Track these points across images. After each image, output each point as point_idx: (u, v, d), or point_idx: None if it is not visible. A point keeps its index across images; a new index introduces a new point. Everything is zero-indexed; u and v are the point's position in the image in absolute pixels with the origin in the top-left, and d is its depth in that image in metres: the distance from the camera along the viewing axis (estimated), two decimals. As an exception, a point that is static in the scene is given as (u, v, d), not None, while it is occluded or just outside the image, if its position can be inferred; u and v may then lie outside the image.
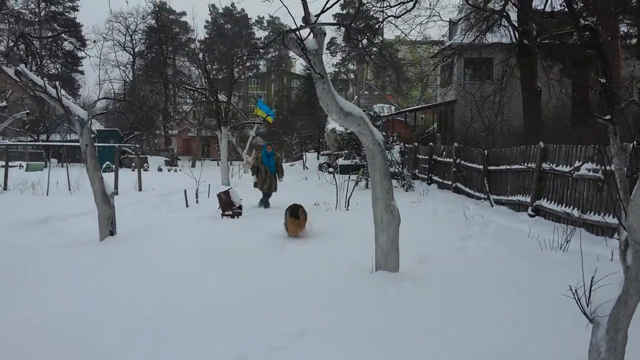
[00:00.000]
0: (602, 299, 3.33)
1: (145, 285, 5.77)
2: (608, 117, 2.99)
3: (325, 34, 5.54)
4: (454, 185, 16.53)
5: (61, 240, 8.54)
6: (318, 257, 7.08)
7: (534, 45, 18.19)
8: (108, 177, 9.89)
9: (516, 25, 19.00)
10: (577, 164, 9.50)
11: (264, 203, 12.84)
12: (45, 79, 7.96)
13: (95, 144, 8.91)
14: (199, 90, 25.79)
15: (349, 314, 4.78)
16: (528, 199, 11.32)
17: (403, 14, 17.19)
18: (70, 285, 5.84)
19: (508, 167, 12.69)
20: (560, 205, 10.13)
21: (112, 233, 8.43)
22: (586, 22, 3.02)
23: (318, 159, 35.31)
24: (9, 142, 28.06)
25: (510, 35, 19.78)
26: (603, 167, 8.65)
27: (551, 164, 10.50)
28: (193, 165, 36.65)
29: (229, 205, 11.13)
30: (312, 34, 5.40)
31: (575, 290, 3.42)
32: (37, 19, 42.54)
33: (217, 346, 4.04)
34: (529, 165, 11.41)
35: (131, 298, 5.29)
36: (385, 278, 5.98)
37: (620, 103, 3.07)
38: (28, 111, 20.47)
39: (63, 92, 8.30)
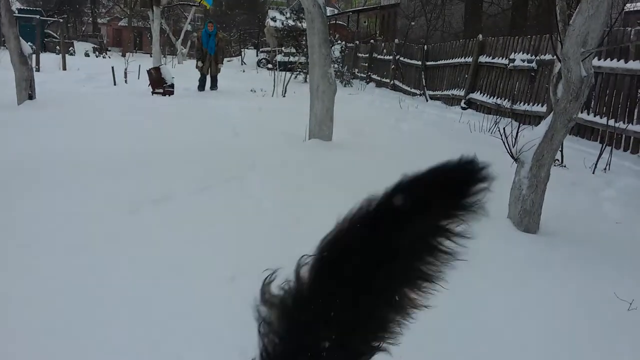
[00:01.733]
0: (527, 138, 3.42)
1: (67, 139, 5.47)
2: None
3: None
4: (392, 82, 16.52)
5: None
6: (252, 128, 6.94)
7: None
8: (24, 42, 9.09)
9: None
10: (512, 55, 9.63)
11: (199, 85, 12.31)
12: None
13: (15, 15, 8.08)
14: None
15: (279, 168, 4.75)
16: (462, 93, 11.49)
17: None
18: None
19: (446, 61, 12.73)
20: (492, 97, 10.35)
21: (30, 97, 7.87)
22: None
23: (257, 55, 34.25)
24: None
25: None
26: (537, 57, 8.82)
27: (488, 57, 10.59)
28: (123, 56, 34.62)
29: (159, 83, 10.63)
30: None
31: (504, 130, 3.50)
32: None
33: (143, 189, 3.89)
34: (466, 59, 11.48)
35: (51, 148, 5.00)
36: (318, 144, 5.96)
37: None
38: None
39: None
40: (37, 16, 18.14)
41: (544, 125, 3.28)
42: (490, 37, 10.68)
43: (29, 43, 23.59)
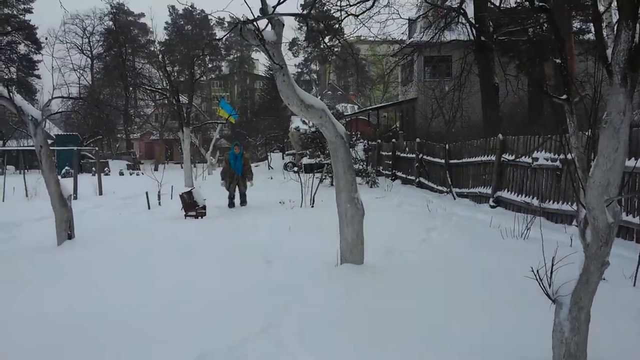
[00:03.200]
0: (563, 279, 3.38)
1: (103, 288, 5.60)
2: (564, 96, 3.02)
3: (283, 25, 5.48)
4: (417, 180, 16.69)
5: (17, 245, 8.24)
6: (284, 254, 7.00)
7: (491, 42, 18.54)
8: (67, 182, 9.58)
9: (473, 22, 19.32)
10: (535, 154, 9.70)
11: (229, 203, 12.62)
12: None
13: (53, 148, 8.63)
14: (160, 91, 25.36)
15: (313, 308, 4.74)
16: (489, 191, 11.51)
17: (362, 13, 17.45)
18: (27, 289, 5.62)
19: (469, 159, 12.88)
20: (520, 195, 10.33)
21: (70, 237, 8.17)
22: (541, 4, 3.05)
23: (283, 158, 35.18)
24: (-40, 149, 27.04)
25: (467, 32, 20.10)
26: (560, 156, 8.86)
27: (510, 155, 10.70)
28: (156, 169, 35.97)
29: (192, 206, 10.95)
30: (270, 25, 5.33)
31: (537, 271, 3.46)
32: (-12, 22, 41.10)
33: (177, 345, 3.91)
34: (489, 157, 11.60)
35: (89, 300, 5.12)
36: (350, 270, 5.97)
37: (574, 97, 3.11)
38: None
39: (19, 96, 7.97)
40: (75, 148, 19.13)
41: (578, 267, 3.25)
42: (511, 137, 10.83)
43: (66, 167, 24.76)
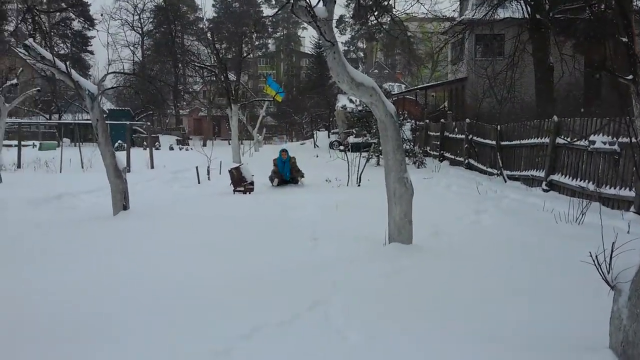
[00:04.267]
0: (623, 265, 3.27)
1: (157, 259, 5.78)
2: (630, 77, 2.88)
3: (335, 1, 5.42)
4: (466, 161, 16.39)
5: (75, 215, 8.58)
6: (331, 232, 7.02)
7: (547, 20, 17.86)
8: (121, 155, 9.88)
9: (528, -3, 18.63)
10: (592, 137, 9.35)
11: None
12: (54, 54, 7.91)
13: (106, 122, 8.88)
14: (209, 67, 25.65)
15: (361, 286, 4.76)
16: (542, 174, 11.19)
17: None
18: (85, 259, 5.86)
19: (521, 141, 12.54)
20: (575, 179, 10.01)
21: (125, 207, 8.45)
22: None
23: (329, 137, 35.18)
24: (21, 120, 28.22)
25: (522, 9, 19.41)
26: (619, 139, 8.51)
27: (565, 138, 10.34)
28: (204, 145, 36.70)
29: (240, 181, 11.12)
30: (321, 2, 5.28)
31: (596, 257, 3.36)
32: (44, -1, 42.32)
33: (229, 321, 3.98)
34: (542, 139, 11.26)
35: (141, 271, 5.29)
36: (398, 250, 5.94)
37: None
38: (39, 88, 20.57)
39: (74, 72, 8.24)
40: (128, 123, 19.65)
41: (639, 254, 3.14)
42: (567, 119, 10.45)
43: (118, 141, 25.64)
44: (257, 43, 64.35)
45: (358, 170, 12.75)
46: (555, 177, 10.71)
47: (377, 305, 4.26)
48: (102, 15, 42.40)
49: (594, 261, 3.37)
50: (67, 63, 7.82)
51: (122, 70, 40.90)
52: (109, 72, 8.84)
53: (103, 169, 8.57)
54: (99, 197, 10.29)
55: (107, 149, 8.28)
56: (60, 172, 15.58)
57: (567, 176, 10.32)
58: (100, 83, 8.27)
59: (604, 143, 8.97)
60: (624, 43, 2.98)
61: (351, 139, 26.67)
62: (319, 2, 5.26)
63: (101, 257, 5.89)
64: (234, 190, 11.13)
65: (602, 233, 4.07)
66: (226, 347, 3.49)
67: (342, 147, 26.42)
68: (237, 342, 3.56)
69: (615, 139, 8.72)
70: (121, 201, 8.42)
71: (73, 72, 7.88)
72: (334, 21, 6.01)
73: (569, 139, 10.14)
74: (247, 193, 11.05)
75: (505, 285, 4.83)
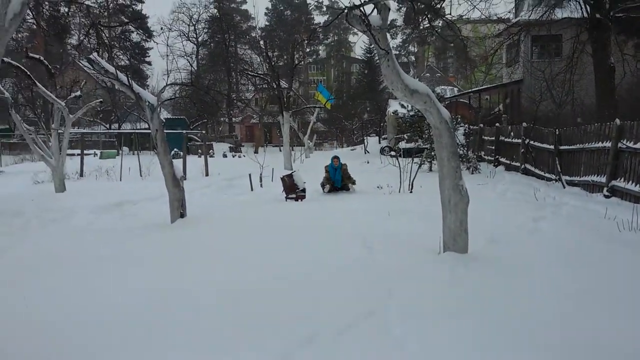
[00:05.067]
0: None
1: (214, 266, 5.91)
2: None
3: (389, 9, 5.42)
4: (523, 166, 15.95)
5: (135, 223, 8.89)
6: (384, 240, 6.98)
7: (607, 19, 17.18)
8: (177, 163, 10.18)
9: (588, -2, 17.98)
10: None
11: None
12: (115, 66, 8.24)
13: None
14: (261, 76, 26.05)
15: (417, 294, 4.71)
16: (603, 180, 10.75)
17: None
18: (146, 265, 6.06)
19: (581, 146, 12.09)
20: (639, 185, 9.57)
21: (182, 215, 8.69)
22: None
23: (379, 142, 34.99)
24: (84, 130, 29.53)
25: (581, 8, 18.75)
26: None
27: (628, 142, 9.91)
28: (256, 152, 37.26)
29: (292, 188, 11.23)
30: (375, 10, 5.29)
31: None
32: (105, 12, 44.22)
33: (287, 326, 4.02)
34: (604, 144, 10.83)
35: (197, 280, 5.42)
36: (454, 259, 5.84)
37: None
38: (101, 99, 21.49)
39: (135, 84, 8.57)
40: (184, 132, 20.23)
41: None
42: (630, 122, 10.01)
43: (175, 149, 26.36)
44: (308, 50, 64.90)
45: (410, 177, 12.63)
46: (618, 182, 10.27)
47: (434, 316, 4.21)
48: (161, 28, 43.94)
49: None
50: (128, 75, 8.13)
51: (178, 81, 42.24)
52: (168, 83, 9.09)
53: (161, 176, 8.85)
54: (157, 205, 10.62)
55: (166, 158, 8.54)
56: (120, 180, 16.19)
57: (631, 182, 9.87)
58: (159, 94, 8.55)
59: (672, 147, 8.54)
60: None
61: (402, 144, 26.46)
62: (373, 10, 5.28)
63: (160, 264, 6.08)
64: (286, 198, 11.25)
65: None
66: (285, 353, 3.54)
67: (393, 153, 26.25)
68: (296, 350, 3.60)
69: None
70: (178, 209, 8.66)
71: (134, 84, 8.19)
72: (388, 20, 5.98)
73: (632, 143, 9.70)
74: (299, 200, 11.14)
75: (566, 297, 4.66)
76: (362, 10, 5.10)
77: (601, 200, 10.15)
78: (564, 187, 12.44)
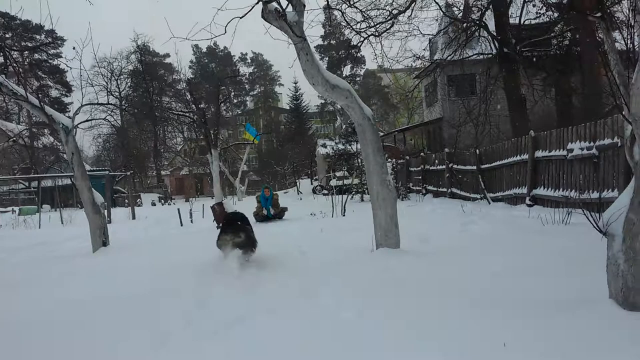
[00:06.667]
0: (612, 210, 3.20)
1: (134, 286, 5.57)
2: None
3: (304, 5, 5.50)
4: (449, 190, 16.41)
5: (57, 254, 8.33)
6: (317, 247, 6.89)
7: (515, 53, 18.38)
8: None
9: (495, 34, 19.20)
10: (569, 145, 9.45)
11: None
12: (27, 88, 7.85)
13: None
14: (187, 115, 25.72)
15: (350, 281, 4.61)
16: (524, 190, 11.21)
17: (383, 32, 17.54)
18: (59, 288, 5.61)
19: (501, 162, 12.62)
20: (557, 190, 10.02)
21: (104, 244, 8.20)
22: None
23: (312, 183, 35.17)
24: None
25: (490, 45, 19.97)
26: (597, 143, 8.60)
27: (544, 152, 10.44)
28: (187, 202, 36.41)
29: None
30: (290, 6, 5.35)
31: (590, 213, 3.30)
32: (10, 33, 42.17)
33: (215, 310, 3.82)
34: (522, 156, 11.36)
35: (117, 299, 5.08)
36: (387, 253, 5.82)
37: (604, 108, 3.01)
38: (14, 138, 20.26)
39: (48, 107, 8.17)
40: (107, 171, 19.52)
41: (627, 194, 3.07)
42: (543, 132, 10.59)
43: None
44: (235, 101, 65.28)
45: (342, 203, 12.68)
46: (538, 191, 10.73)
47: (366, 294, 4.11)
48: (74, 48, 42.44)
49: (583, 211, 3.30)
50: (40, 96, 7.76)
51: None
52: (83, 104, 8.73)
53: (84, 223, 8.33)
54: (81, 242, 9.98)
55: (84, 183, 8.11)
56: (39, 227, 15.21)
57: (550, 188, 10.34)
58: (74, 116, 8.18)
59: (582, 149, 9.04)
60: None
61: (334, 182, 26.69)
62: (287, 6, 5.34)
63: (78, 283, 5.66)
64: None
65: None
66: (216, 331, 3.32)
67: (325, 191, 26.39)
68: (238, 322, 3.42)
69: (592, 143, 8.80)
70: (100, 237, 8.19)
71: (46, 106, 7.81)
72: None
73: (547, 152, 10.23)
74: (231, 228, 10.83)
75: (500, 271, 4.69)
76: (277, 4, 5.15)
77: (525, 209, 10.51)
78: (489, 203, 12.85)
